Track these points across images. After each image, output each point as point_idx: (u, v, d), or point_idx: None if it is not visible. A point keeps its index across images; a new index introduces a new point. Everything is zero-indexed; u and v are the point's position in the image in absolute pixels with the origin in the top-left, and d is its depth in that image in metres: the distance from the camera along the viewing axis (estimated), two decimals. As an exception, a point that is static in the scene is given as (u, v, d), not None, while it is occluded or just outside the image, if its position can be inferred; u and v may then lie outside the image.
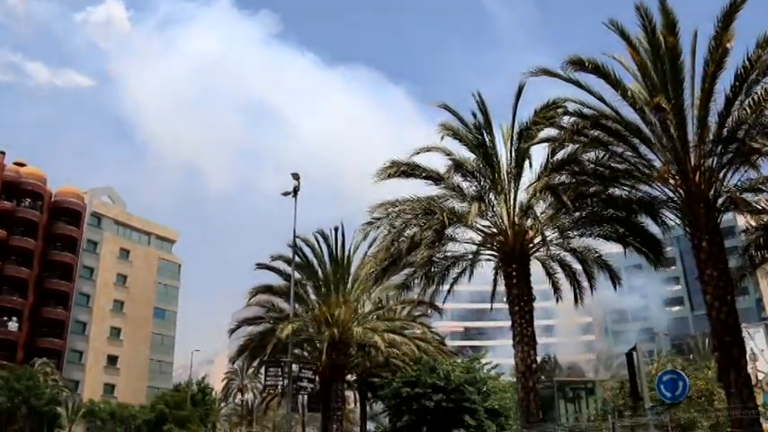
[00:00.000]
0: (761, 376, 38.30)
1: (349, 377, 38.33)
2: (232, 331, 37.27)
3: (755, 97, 15.28)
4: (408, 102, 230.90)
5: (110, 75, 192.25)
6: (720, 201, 17.12)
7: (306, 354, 36.41)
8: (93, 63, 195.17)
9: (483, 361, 31.63)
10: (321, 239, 32.45)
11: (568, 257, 23.11)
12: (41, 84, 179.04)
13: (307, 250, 32.43)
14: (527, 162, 21.07)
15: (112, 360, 75.96)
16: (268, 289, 33.12)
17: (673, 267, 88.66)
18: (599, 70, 17.01)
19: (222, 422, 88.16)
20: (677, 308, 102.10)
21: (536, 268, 23.18)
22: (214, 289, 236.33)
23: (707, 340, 57.80)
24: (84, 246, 76.55)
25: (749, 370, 16.66)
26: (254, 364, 36.55)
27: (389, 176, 21.34)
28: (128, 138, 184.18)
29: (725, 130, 16.36)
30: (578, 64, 16.92)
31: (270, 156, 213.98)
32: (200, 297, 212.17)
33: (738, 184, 17.33)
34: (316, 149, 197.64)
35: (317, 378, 31.62)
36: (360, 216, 21.61)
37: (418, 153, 21.47)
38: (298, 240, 31.56)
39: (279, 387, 32.39)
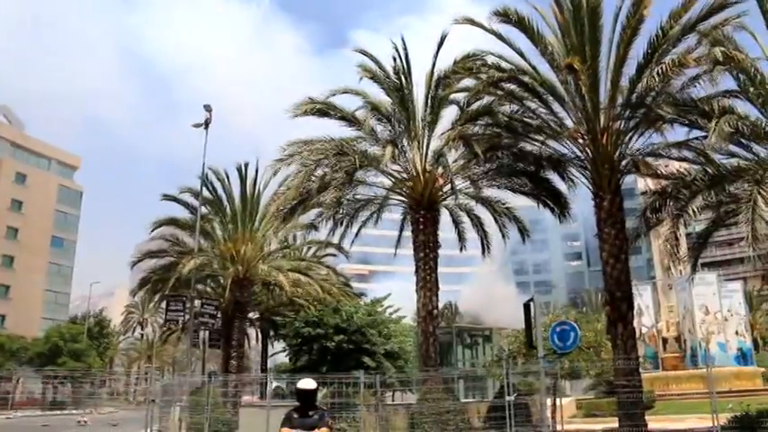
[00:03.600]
0: (644, 330, 40.85)
1: (252, 315, 38.18)
2: (134, 263, 36.14)
3: (664, 67, 15.67)
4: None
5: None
6: (624, 163, 17.73)
7: (209, 289, 35.91)
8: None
9: (385, 304, 32.08)
10: (233, 174, 31.70)
11: (478, 208, 23.52)
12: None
13: (217, 185, 31.62)
14: (443, 110, 21.11)
15: (4, 289, 72.26)
16: (173, 221, 32.21)
17: (574, 224, 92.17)
18: (522, 24, 17.04)
19: (120, 356, 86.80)
20: (576, 263, 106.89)
21: (447, 218, 23.58)
22: (118, 219, 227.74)
23: (600, 295, 60.69)
24: (-26, 167, 71.92)
25: (635, 324, 17.61)
26: (156, 298, 35.76)
27: (305, 113, 20.96)
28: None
29: (634, 95, 16.81)
30: (503, 15, 16.87)
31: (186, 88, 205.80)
32: (102, 227, 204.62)
33: (642, 148, 17.95)
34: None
35: (219, 314, 31.34)
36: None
37: (335, 94, 21.15)
38: (208, 173, 30.80)
39: (180, 322, 32.05)
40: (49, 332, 61.11)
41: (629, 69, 16.85)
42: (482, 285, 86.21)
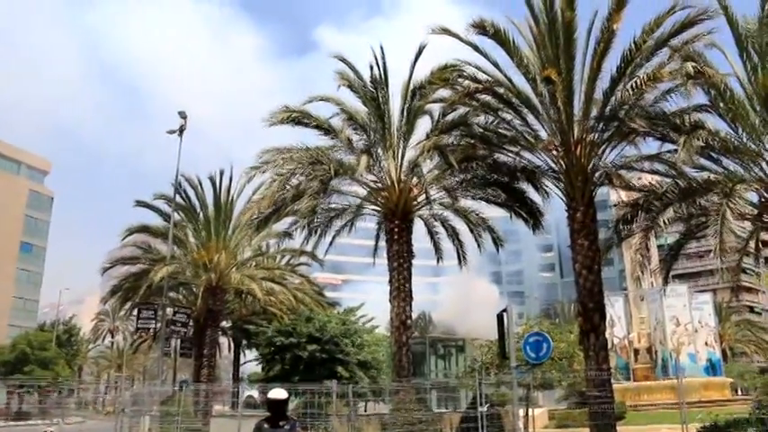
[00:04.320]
0: (616, 341, 41.20)
1: (224, 323, 37.88)
2: (105, 270, 35.64)
3: (638, 80, 15.88)
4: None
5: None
6: (597, 175, 17.90)
7: (181, 297, 35.58)
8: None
9: (359, 314, 31.97)
10: (206, 181, 31.44)
11: (452, 218, 23.58)
12: None
13: (191, 192, 31.33)
14: (418, 120, 21.16)
15: (-31, 296, 70.72)
16: (145, 229, 31.84)
17: (547, 236, 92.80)
18: (499, 36, 17.11)
19: (90, 364, 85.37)
20: (549, 274, 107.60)
21: (423, 228, 23.61)
22: (89, 225, 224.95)
23: (573, 306, 61.12)
24: (-60, 171, 70.42)
25: (607, 335, 17.73)
26: (127, 305, 35.32)
27: (281, 122, 20.85)
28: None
29: (608, 108, 16.97)
30: (480, 27, 16.94)
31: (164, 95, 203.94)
32: (73, 232, 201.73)
33: (615, 160, 18.15)
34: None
35: (191, 322, 31.04)
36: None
37: (311, 101, 21.12)
38: (182, 180, 30.53)
39: (151, 330, 31.61)
40: (16, 340, 59.81)
41: (603, 83, 17.03)
42: (456, 295, 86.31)
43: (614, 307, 41.04)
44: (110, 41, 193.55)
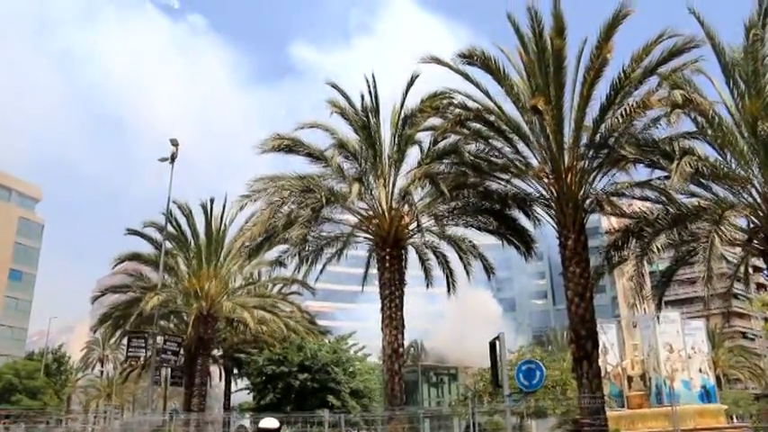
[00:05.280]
0: (609, 368, 40.98)
1: (215, 352, 37.53)
2: (95, 298, 35.43)
3: (627, 108, 16.06)
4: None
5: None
6: (588, 202, 17.95)
7: (172, 326, 35.27)
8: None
9: (350, 342, 31.76)
10: (197, 209, 31.37)
11: (444, 246, 23.53)
12: None
13: (182, 220, 31.27)
14: (409, 148, 21.22)
15: (-45, 324, 69.80)
16: (136, 256, 31.67)
17: (539, 263, 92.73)
18: (488, 65, 17.32)
19: (79, 394, 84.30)
20: (541, 301, 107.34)
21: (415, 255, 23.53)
22: (79, 252, 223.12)
23: (565, 333, 60.91)
24: (-70, 198, 70.08)
25: (599, 362, 17.64)
26: (117, 334, 34.96)
27: (273, 149, 20.87)
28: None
29: (598, 135, 17.10)
30: (469, 57, 17.17)
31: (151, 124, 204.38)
32: (63, 259, 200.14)
33: (605, 187, 18.21)
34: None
35: (181, 351, 30.72)
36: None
37: (302, 128, 21.17)
38: (173, 208, 30.45)
39: (141, 359, 31.29)
40: (3, 369, 59.07)
41: (593, 110, 17.20)
42: (447, 323, 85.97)
43: (607, 334, 40.78)
44: (86, 66, 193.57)
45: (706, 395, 41.14)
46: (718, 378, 50.16)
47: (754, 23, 16.24)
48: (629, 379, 41.59)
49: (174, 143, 29.37)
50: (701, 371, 42.16)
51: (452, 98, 18.20)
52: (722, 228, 14.66)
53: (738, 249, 18.71)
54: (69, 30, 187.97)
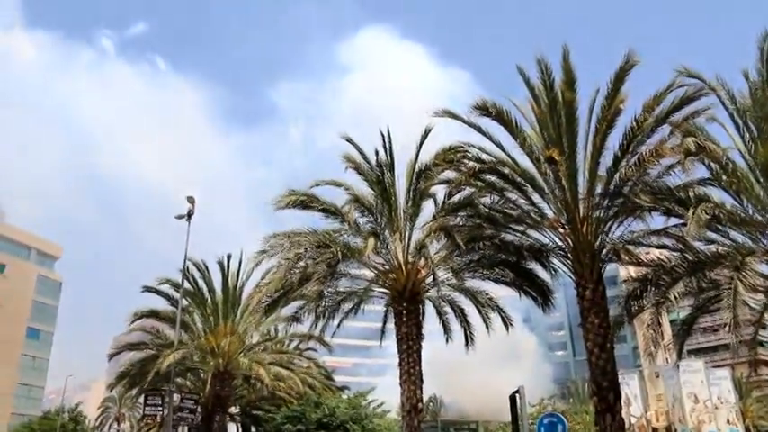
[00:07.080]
0: (633, 420, 40.05)
1: (232, 409, 37.17)
2: (112, 356, 35.32)
3: (640, 157, 16.13)
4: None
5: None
6: (605, 251, 17.82)
7: (189, 383, 35.06)
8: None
9: (369, 398, 31.35)
10: (214, 266, 31.53)
11: (461, 299, 23.36)
12: None
13: (198, 276, 31.38)
14: (424, 202, 21.27)
15: (-30, 384, 69.28)
16: (153, 314, 31.74)
17: (557, 314, 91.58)
18: (501, 117, 17.47)
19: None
20: (561, 353, 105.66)
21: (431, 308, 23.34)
22: (96, 310, 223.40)
23: (586, 385, 59.80)
24: (-50, 256, 70.72)
25: (623, 414, 17.26)
26: (134, 392, 34.85)
27: (288, 206, 20.99)
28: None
29: (612, 184, 17.10)
30: (483, 109, 17.33)
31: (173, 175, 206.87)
32: (80, 317, 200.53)
33: (622, 236, 18.09)
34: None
35: (198, 409, 30.45)
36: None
37: (318, 185, 21.31)
38: (189, 265, 30.57)
39: (158, 417, 30.97)
40: (19, 428, 58.70)
41: (606, 159, 17.22)
42: (467, 377, 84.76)
43: (629, 385, 40.07)
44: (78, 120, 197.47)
45: (736, 447, 40.02)
46: (747, 429, 48.70)
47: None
48: (654, 431, 40.62)
49: (191, 200, 29.59)
50: (728, 422, 41.07)
51: (466, 151, 18.30)
52: (744, 273, 14.49)
53: (761, 296, 18.43)
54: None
